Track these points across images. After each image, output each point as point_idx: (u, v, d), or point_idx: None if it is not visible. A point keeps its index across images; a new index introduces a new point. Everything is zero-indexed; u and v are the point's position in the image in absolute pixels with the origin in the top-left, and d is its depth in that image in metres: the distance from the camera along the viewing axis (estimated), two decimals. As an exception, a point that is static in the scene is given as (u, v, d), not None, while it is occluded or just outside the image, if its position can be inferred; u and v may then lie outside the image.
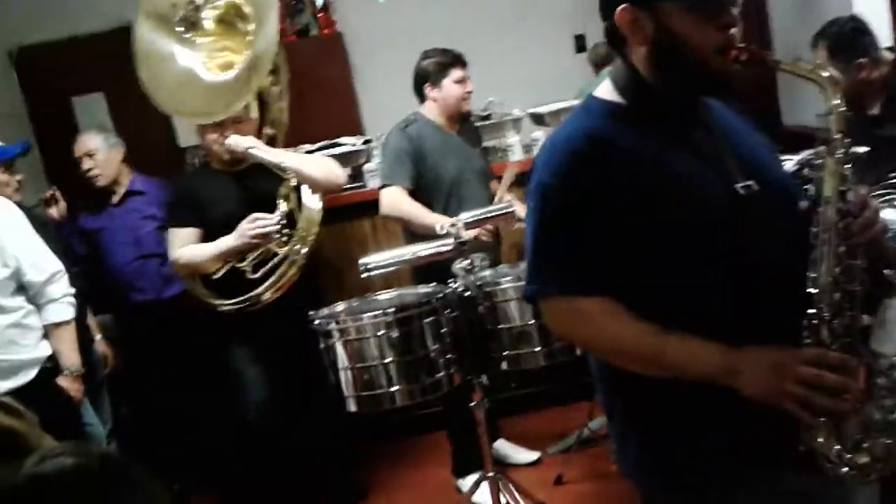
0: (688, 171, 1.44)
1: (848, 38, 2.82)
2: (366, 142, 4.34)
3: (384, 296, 2.93)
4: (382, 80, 5.16)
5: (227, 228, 3.13)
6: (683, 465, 1.47)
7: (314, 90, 3.88)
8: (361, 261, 2.69)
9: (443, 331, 2.64)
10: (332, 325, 2.62)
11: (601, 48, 5.09)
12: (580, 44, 5.65)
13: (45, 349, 2.84)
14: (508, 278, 2.72)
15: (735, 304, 1.40)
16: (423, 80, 3.43)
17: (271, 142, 3.38)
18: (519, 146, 4.22)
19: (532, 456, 3.69)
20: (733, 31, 1.41)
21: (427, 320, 2.61)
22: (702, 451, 1.44)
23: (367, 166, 4.11)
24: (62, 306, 2.89)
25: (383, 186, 3.34)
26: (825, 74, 1.40)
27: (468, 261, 2.72)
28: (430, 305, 2.63)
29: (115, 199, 3.81)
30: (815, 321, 1.37)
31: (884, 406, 1.38)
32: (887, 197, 2.21)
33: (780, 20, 4.93)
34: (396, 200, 3.27)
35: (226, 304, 3.20)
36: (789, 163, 2.53)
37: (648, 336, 1.40)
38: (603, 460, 3.43)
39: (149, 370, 3.85)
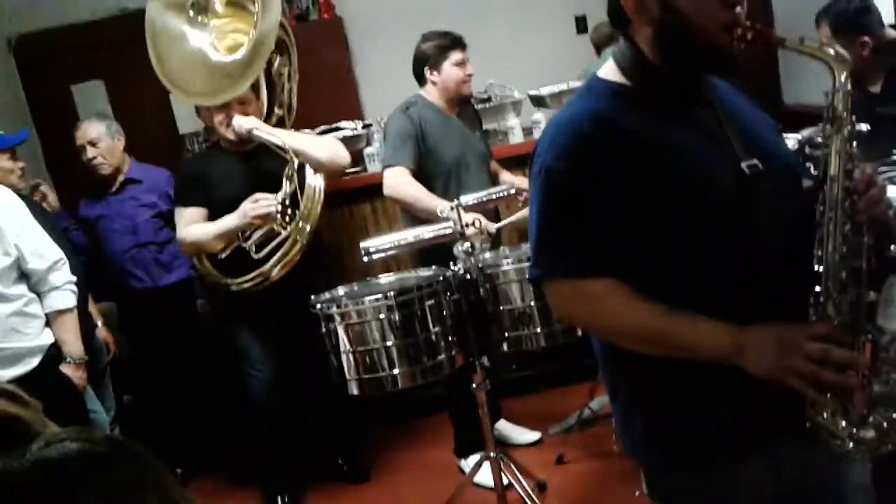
0: (693, 151, 1.44)
1: (851, 16, 2.80)
2: (366, 126, 4.33)
3: (385, 279, 2.94)
4: (382, 64, 5.15)
5: (232, 208, 3.17)
6: (688, 444, 1.48)
7: (314, 74, 3.87)
8: (362, 244, 2.69)
9: (444, 313, 2.65)
10: (334, 309, 2.63)
11: (603, 29, 5.07)
12: (581, 25, 5.62)
13: (47, 337, 2.85)
14: (509, 260, 2.73)
15: (741, 283, 1.41)
16: (423, 63, 3.41)
17: (280, 123, 3.41)
18: (519, 128, 4.21)
19: (533, 436, 3.70)
20: (739, 9, 1.40)
21: (428, 303, 2.62)
22: (706, 430, 1.45)
23: (367, 150, 4.11)
24: (64, 294, 2.90)
25: (387, 167, 3.33)
26: (831, 52, 1.39)
27: (469, 243, 2.73)
28: (431, 288, 2.64)
29: (114, 187, 3.82)
30: (821, 298, 1.37)
31: (889, 381, 1.38)
32: (889, 174, 2.21)
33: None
34: (401, 181, 3.26)
35: (238, 282, 3.24)
36: (791, 141, 2.54)
37: (655, 316, 1.40)
38: (604, 440, 3.45)
39: (150, 357, 3.88)
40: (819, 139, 2.04)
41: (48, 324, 2.87)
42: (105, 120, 3.88)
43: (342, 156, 3.36)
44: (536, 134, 4.18)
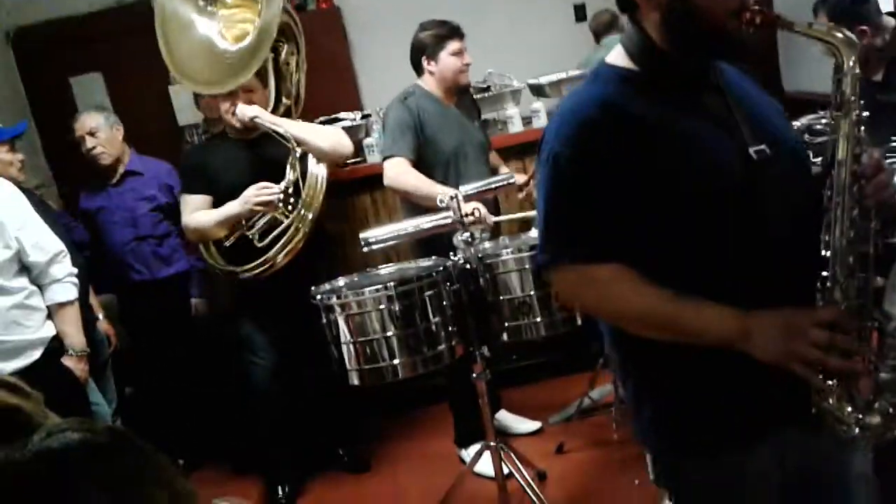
0: (701, 137, 1.44)
1: (848, 5, 2.80)
2: (364, 116, 4.32)
3: (385, 270, 2.94)
4: (380, 54, 5.13)
5: (236, 195, 3.22)
6: (696, 430, 1.49)
7: (312, 65, 3.88)
8: (362, 235, 2.70)
9: (444, 303, 2.66)
10: (334, 300, 2.64)
11: (602, 17, 5.05)
12: (580, 13, 5.61)
13: (49, 330, 2.85)
14: (509, 250, 2.73)
15: (749, 269, 1.41)
16: (421, 52, 3.40)
17: (287, 114, 3.43)
18: (518, 118, 4.20)
19: (533, 426, 3.71)
20: None
21: (428, 293, 2.62)
22: (714, 416, 1.46)
23: (366, 141, 4.10)
24: (65, 286, 2.90)
25: (387, 158, 3.33)
26: (840, 36, 1.39)
27: (468, 233, 2.73)
28: (431, 278, 2.64)
29: (115, 178, 3.82)
30: (827, 283, 1.37)
31: (895, 367, 1.38)
32: (888, 161, 2.21)
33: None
34: (402, 172, 3.26)
35: (245, 270, 3.27)
36: (790, 129, 2.54)
37: (661, 301, 1.41)
38: (604, 429, 3.46)
39: (150, 349, 3.89)
40: (818, 126, 2.04)
41: (50, 316, 2.87)
42: (103, 111, 3.88)
43: (345, 145, 3.38)
44: (535, 123, 4.18)
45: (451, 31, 3.38)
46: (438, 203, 2.81)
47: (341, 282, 2.86)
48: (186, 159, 3.64)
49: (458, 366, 2.84)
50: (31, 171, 3.70)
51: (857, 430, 1.36)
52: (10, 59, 5.37)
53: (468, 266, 2.72)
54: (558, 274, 1.51)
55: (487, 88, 4.40)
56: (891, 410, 1.37)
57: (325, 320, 2.66)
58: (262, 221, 3.24)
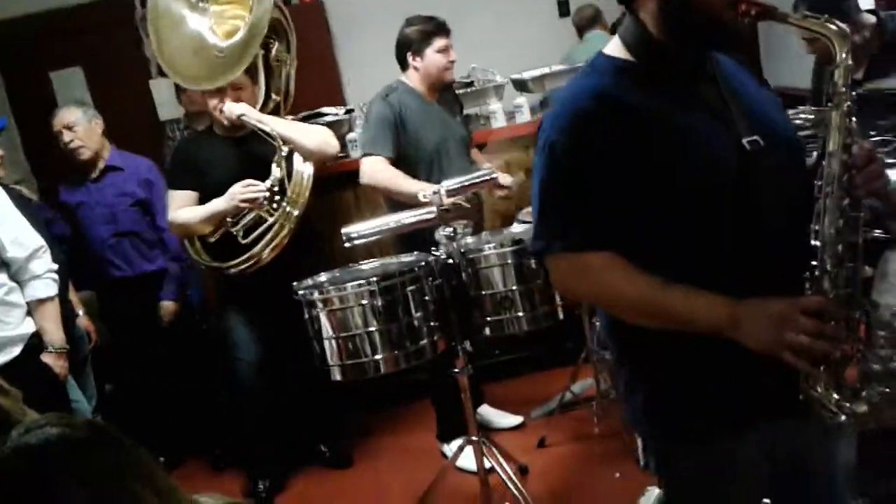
0: (697, 130, 1.45)
1: (828, 2, 2.82)
2: (348, 111, 4.32)
3: (367, 265, 2.94)
4: (364, 48, 5.13)
5: (223, 192, 3.23)
6: (687, 416, 1.51)
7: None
8: (344, 230, 2.69)
9: (426, 298, 2.66)
10: (316, 295, 2.63)
11: (585, 11, 5.07)
12: (563, 8, 5.62)
13: (28, 326, 2.83)
14: (491, 245, 2.73)
15: (740, 258, 1.43)
16: (406, 48, 3.39)
17: (276, 110, 3.43)
18: (501, 113, 4.21)
19: (515, 420, 3.73)
20: None
21: (410, 288, 2.62)
22: (705, 403, 1.48)
23: (349, 136, 4.10)
24: (45, 282, 2.88)
25: (365, 155, 3.33)
26: (833, 28, 1.40)
27: (451, 228, 2.73)
28: (413, 274, 2.64)
29: (94, 173, 3.79)
30: (817, 273, 1.39)
31: (882, 356, 1.41)
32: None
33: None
34: (377, 169, 3.27)
35: (231, 265, 3.28)
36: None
37: (652, 289, 1.42)
38: (585, 423, 3.48)
39: (130, 346, 3.86)
40: (797, 121, 2.06)
41: (29, 313, 2.85)
42: (82, 106, 3.85)
43: (331, 144, 3.38)
44: (519, 119, 4.19)
45: (437, 28, 3.37)
46: (421, 198, 2.81)
47: (323, 277, 2.85)
48: (174, 155, 3.64)
49: (441, 361, 2.84)
50: (10, 166, 3.67)
51: (843, 417, 1.37)
52: (-11, 53, 5.32)
53: (450, 261, 2.73)
54: (553, 261, 1.53)
55: (471, 83, 4.40)
56: (878, 400, 1.39)
57: (307, 316, 2.66)
58: (247, 218, 3.25)
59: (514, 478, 2.97)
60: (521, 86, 4.37)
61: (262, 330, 3.46)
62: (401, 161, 3.29)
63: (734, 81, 1.53)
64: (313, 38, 5.30)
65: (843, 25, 1.41)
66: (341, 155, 4.06)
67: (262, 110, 3.35)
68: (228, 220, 3.27)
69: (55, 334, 2.89)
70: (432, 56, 3.36)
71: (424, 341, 2.65)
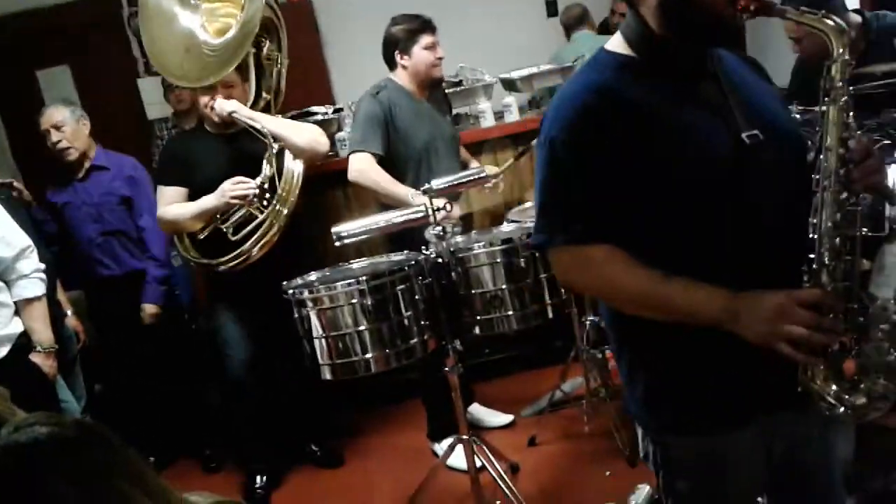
0: (697, 127, 1.46)
1: (814, 2, 2.83)
2: (336, 110, 4.31)
3: (357, 264, 2.94)
4: (352, 47, 5.12)
5: (213, 189, 3.23)
6: (686, 409, 1.52)
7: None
8: (334, 229, 2.69)
9: (416, 297, 2.66)
10: (306, 294, 2.63)
11: (573, 11, 5.08)
12: (552, 8, 5.64)
13: (17, 326, 2.82)
14: (480, 244, 2.73)
15: (739, 252, 1.44)
16: (393, 46, 3.40)
17: (267, 108, 3.43)
18: (490, 112, 4.21)
19: (506, 419, 3.73)
20: None
21: (400, 287, 2.62)
22: (704, 396, 1.49)
23: (338, 135, 4.10)
24: (33, 282, 2.87)
25: (353, 152, 3.33)
26: (830, 23, 1.41)
27: (440, 227, 2.73)
28: (403, 272, 2.64)
29: (80, 173, 3.77)
30: (814, 266, 1.40)
31: (881, 348, 1.41)
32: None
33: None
34: (366, 168, 3.26)
35: (220, 262, 3.28)
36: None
37: (652, 281, 1.43)
38: (575, 422, 3.50)
39: (119, 346, 3.85)
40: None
41: (17, 312, 2.84)
42: (70, 105, 3.83)
43: (322, 142, 3.39)
44: (507, 118, 4.19)
45: (423, 25, 3.38)
46: (410, 199, 2.81)
47: (313, 276, 2.85)
48: (164, 151, 3.64)
49: (431, 360, 2.84)
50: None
51: (841, 408, 1.39)
52: (-25, 52, 5.28)
53: (440, 260, 2.73)
54: (554, 255, 1.55)
55: (459, 83, 4.40)
56: (875, 392, 1.40)
57: (297, 315, 2.65)
58: (237, 215, 3.26)
59: (504, 476, 2.97)
60: (509, 85, 4.37)
61: (253, 327, 3.45)
62: (389, 159, 3.29)
63: (735, 76, 1.55)
64: (302, 37, 5.29)
65: (841, 21, 1.42)
66: (331, 154, 4.06)
67: (252, 108, 3.34)
68: (218, 216, 3.27)
69: (43, 334, 2.88)
70: (420, 53, 3.36)
71: (414, 340, 2.65)
